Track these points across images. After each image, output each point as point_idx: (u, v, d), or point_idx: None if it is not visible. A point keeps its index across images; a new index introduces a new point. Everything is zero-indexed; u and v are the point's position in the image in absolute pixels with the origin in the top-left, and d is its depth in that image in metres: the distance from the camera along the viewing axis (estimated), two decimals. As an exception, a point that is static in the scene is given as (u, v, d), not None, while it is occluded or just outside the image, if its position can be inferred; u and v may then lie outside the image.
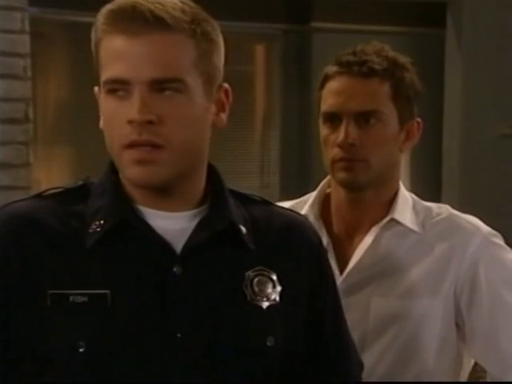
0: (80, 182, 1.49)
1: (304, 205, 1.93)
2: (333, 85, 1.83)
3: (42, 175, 4.35)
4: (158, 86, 1.35)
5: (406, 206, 1.87)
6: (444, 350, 1.82)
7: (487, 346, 1.80)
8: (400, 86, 1.83)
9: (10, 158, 3.66)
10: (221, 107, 1.45)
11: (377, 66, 1.81)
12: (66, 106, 4.58)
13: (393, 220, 1.85)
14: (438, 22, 5.17)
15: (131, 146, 1.36)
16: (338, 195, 1.88)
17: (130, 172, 1.38)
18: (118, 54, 1.36)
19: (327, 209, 1.92)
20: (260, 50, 5.19)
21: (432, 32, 5.26)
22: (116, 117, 1.37)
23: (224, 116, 1.46)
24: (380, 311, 1.81)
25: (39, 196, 1.47)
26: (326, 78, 1.85)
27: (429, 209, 1.89)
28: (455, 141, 5.14)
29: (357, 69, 1.80)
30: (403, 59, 1.87)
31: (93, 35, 1.41)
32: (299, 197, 2.00)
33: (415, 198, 1.92)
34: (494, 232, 1.87)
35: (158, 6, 1.35)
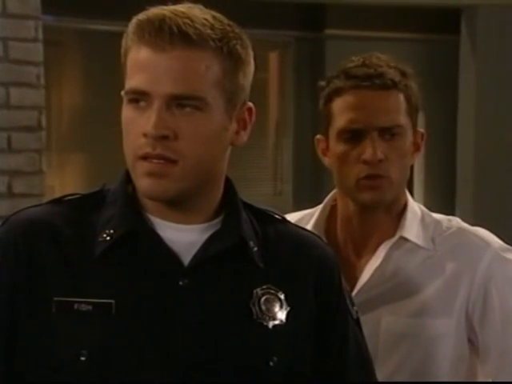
0: (96, 189, 1.48)
1: (309, 219, 1.89)
2: (350, 99, 1.77)
3: (55, 183, 4.36)
4: (178, 101, 1.35)
5: (415, 220, 1.83)
6: (458, 367, 1.80)
7: (501, 364, 1.78)
8: (411, 97, 1.80)
9: (23, 166, 3.67)
10: (242, 126, 1.44)
11: (396, 78, 1.77)
12: (78, 113, 4.59)
13: (402, 238, 1.81)
14: (453, 29, 5.17)
15: (144, 157, 1.36)
16: (347, 210, 1.84)
17: (141, 183, 1.38)
18: (141, 65, 1.36)
19: (333, 224, 1.88)
20: (273, 58, 5.20)
21: (446, 39, 5.25)
22: (133, 127, 1.37)
23: (244, 134, 1.44)
24: (391, 329, 1.77)
25: (56, 202, 1.47)
26: (337, 92, 1.78)
27: (438, 222, 1.85)
28: (469, 147, 5.13)
29: (379, 82, 1.76)
30: (408, 69, 1.83)
31: (123, 43, 1.40)
32: (311, 205, 1.97)
33: (424, 209, 1.88)
34: (506, 246, 1.83)
35: (186, 21, 1.34)
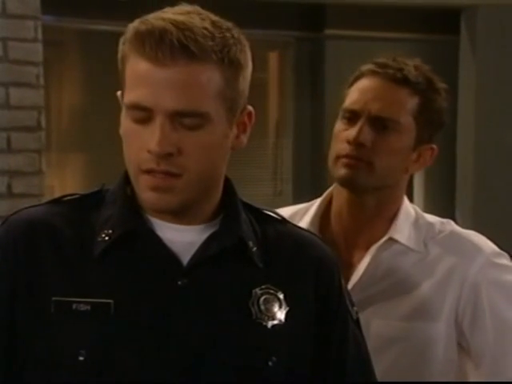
0: (95, 190, 1.48)
1: (304, 214, 1.89)
2: (363, 82, 1.80)
3: (55, 183, 4.36)
4: (181, 117, 1.34)
5: (407, 222, 1.83)
6: (447, 370, 1.80)
7: (495, 369, 1.78)
8: (427, 107, 1.79)
9: (23, 166, 3.67)
10: (242, 129, 1.43)
11: (411, 77, 1.78)
12: (78, 113, 4.59)
13: (391, 239, 1.81)
14: (453, 29, 5.16)
15: (148, 172, 1.36)
16: (340, 199, 1.84)
17: (145, 197, 1.38)
18: (142, 79, 1.34)
19: (328, 219, 1.87)
20: (273, 57, 5.19)
21: (446, 39, 5.25)
22: (135, 139, 1.36)
23: (244, 137, 1.44)
24: (380, 333, 1.77)
25: (55, 202, 1.47)
26: (359, 76, 1.81)
27: (431, 225, 1.85)
28: (469, 147, 5.12)
29: (391, 72, 1.77)
30: (440, 84, 1.84)
31: (120, 47, 1.38)
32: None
33: (419, 212, 1.88)
34: (498, 251, 1.83)
35: (187, 33, 1.32)
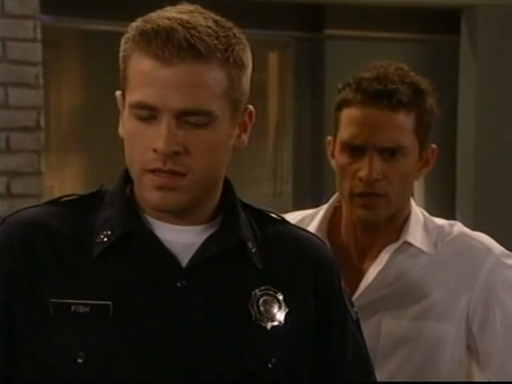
0: (94, 190, 1.48)
1: (311, 220, 1.89)
2: (355, 113, 1.76)
3: (54, 183, 4.36)
4: (187, 116, 1.34)
5: (418, 226, 1.84)
6: (456, 372, 1.80)
7: (503, 371, 1.78)
8: (423, 116, 1.79)
9: (22, 166, 3.67)
10: (243, 129, 1.44)
11: (404, 98, 1.75)
12: (77, 114, 4.58)
13: (406, 243, 1.82)
14: (453, 29, 5.16)
15: (153, 171, 1.35)
16: (351, 216, 1.84)
17: (150, 196, 1.37)
18: (147, 78, 1.34)
19: (336, 226, 1.88)
20: (273, 58, 5.18)
21: (446, 39, 5.24)
22: (140, 139, 1.36)
23: (245, 137, 1.45)
24: (391, 333, 1.78)
25: (53, 202, 1.47)
26: (346, 103, 1.77)
27: (441, 227, 1.86)
28: (469, 147, 5.12)
29: (386, 101, 1.74)
30: (424, 84, 1.81)
31: (122, 46, 1.38)
32: (311, 206, 1.97)
33: (426, 215, 1.89)
34: (506, 252, 1.84)
35: (193, 32, 1.32)
